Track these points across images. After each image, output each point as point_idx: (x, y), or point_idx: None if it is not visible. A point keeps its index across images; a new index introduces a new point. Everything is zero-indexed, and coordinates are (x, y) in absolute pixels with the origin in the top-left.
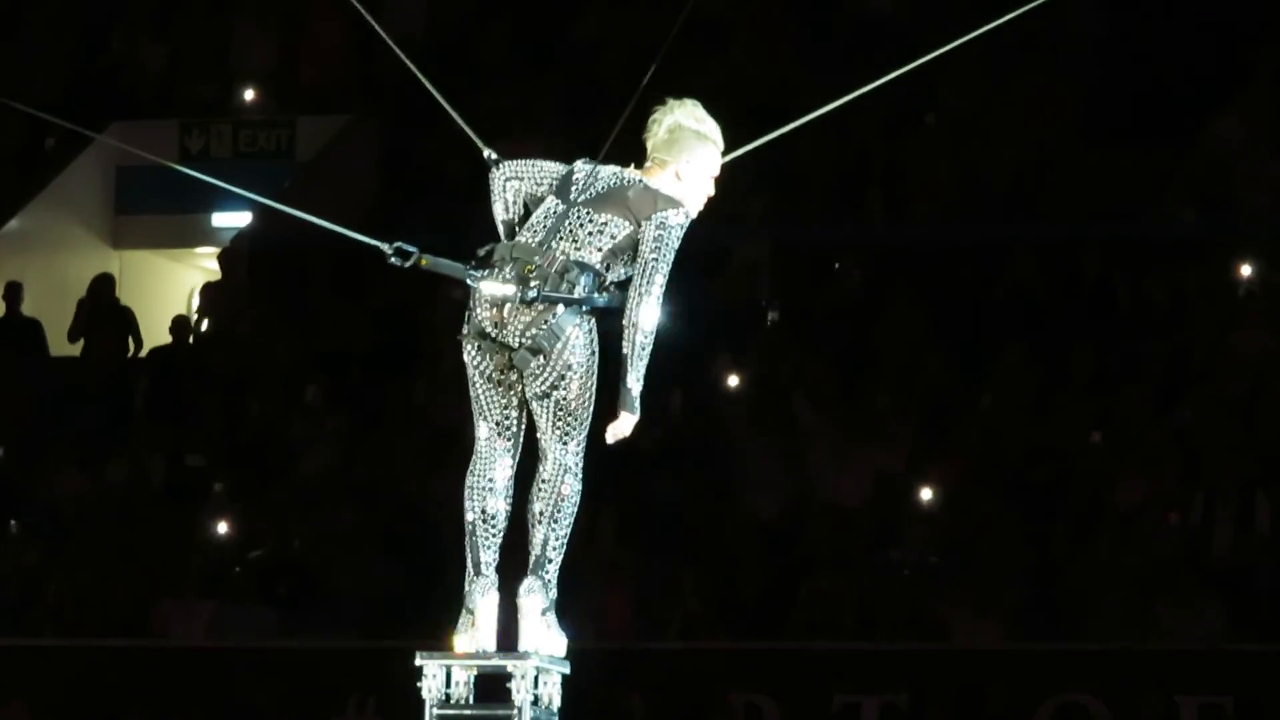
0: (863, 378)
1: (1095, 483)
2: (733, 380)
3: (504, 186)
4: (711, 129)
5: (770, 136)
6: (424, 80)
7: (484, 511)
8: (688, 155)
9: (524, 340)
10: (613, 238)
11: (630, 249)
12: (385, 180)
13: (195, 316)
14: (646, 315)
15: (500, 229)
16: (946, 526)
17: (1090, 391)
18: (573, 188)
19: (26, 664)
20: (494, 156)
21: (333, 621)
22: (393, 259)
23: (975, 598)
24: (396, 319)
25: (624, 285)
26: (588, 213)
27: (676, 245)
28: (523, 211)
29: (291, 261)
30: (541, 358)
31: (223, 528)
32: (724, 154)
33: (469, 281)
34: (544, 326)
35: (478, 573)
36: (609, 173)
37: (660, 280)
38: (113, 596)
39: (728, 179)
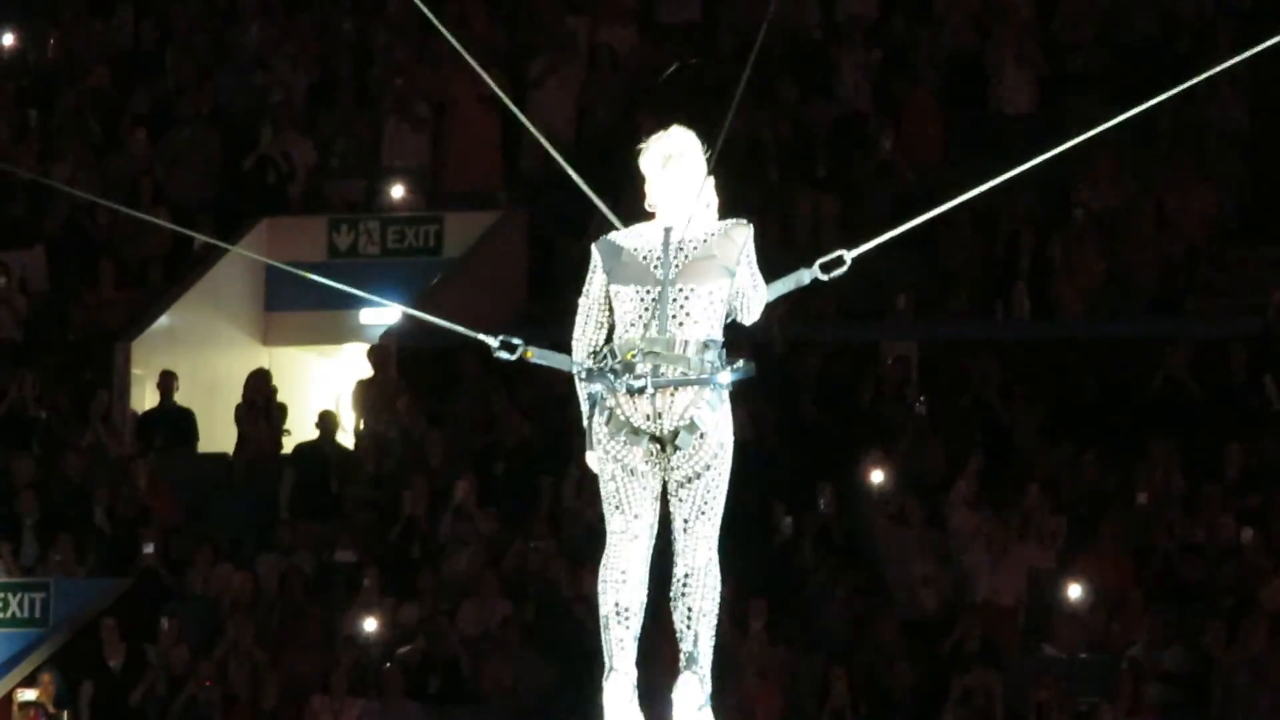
0: (1012, 474)
1: (1246, 581)
2: (882, 476)
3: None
4: (689, 147)
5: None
6: (567, 167)
7: (617, 604)
8: (702, 187)
9: (682, 422)
10: (722, 300)
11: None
12: (534, 276)
13: (352, 413)
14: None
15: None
16: (1097, 624)
17: (1240, 489)
18: (654, 268)
19: None
20: None
21: (483, 718)
22: (499, 352)
23: (1127, 694)
24: (546, 416)
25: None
26: (691, 288)
27: None
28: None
29: (441, 357)
30: (700, 435)
31: (371, 624)
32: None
33: (576, 375)
34: (700, 406)
35: (610, 666)
36: (688, 242)
37: (763, 296)
38: (263, 693)
39: (877, 276)
